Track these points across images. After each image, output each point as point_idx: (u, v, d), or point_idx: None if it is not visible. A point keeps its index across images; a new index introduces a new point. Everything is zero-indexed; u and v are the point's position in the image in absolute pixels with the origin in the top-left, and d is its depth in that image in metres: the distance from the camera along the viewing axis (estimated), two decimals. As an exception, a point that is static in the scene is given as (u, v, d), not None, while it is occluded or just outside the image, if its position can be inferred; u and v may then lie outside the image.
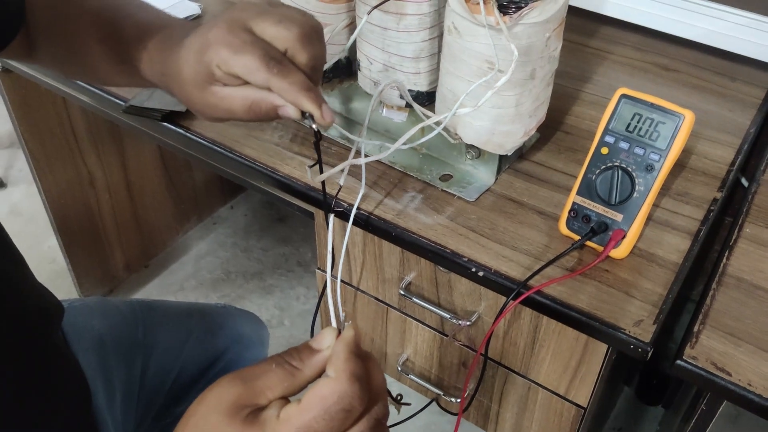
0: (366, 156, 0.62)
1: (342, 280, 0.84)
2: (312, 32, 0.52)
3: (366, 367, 0.42)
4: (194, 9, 0.99)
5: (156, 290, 1.61)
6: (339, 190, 0.69)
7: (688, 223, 0.69)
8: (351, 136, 0.61)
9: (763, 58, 0.88)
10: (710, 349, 0.57)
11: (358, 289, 0.82)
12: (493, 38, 0.61)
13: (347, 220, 0.65)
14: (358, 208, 0.69)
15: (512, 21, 0.60)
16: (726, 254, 0.66)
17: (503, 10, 0.60)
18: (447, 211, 0.70)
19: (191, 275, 1.65)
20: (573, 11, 0.92)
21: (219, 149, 0.77)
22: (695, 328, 0.59)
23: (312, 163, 0.73)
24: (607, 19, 0.99)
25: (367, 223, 0.70)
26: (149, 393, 0.78)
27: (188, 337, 0.83)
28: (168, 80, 0.56)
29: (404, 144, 0.61)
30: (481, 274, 0.65)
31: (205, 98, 0.53)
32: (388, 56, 0.71)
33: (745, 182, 0.85)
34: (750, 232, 0.68)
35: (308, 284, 1.63)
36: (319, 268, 0.87)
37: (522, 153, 0.77)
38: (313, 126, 0.52)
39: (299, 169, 0.75)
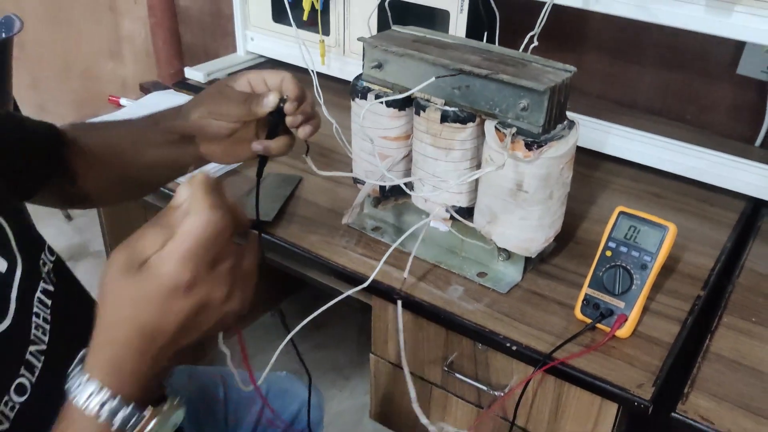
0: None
1: (390, 362, 1.00)
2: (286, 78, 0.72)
3: (225, 200, 0.47)
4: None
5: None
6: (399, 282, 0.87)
7: (678, 314, 0.86)
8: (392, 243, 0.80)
9: (736, 189, 1.09)
10: (697, 406, 0.73)
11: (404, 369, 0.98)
12: (520, 167, 0.81)
13: (405, 307, 0.83)
14: (411, 296, 0.87)
15: (535, 155, 0.81)
16: (709, 337, 0.82)
17: (528, 146, 0.81)
18: (484, 301, 0.88)
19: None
20: (581, 150, 1.13)
21: (299, 252, 0.97)
22: (685, 390, 0.75)
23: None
24: (609, 157, 1.21)
25: (419, 308, 0.88)
26: None
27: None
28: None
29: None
30: (514, 348, 0.81)
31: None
32: (437, 180, 0.92)
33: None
34: (728, 321, 0.85)
35: (341, 386, 1.77)
36: (373, 353, 1.03)
37: (542, 257, 0.96)
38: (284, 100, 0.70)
39: (364, 266, 0.93)
